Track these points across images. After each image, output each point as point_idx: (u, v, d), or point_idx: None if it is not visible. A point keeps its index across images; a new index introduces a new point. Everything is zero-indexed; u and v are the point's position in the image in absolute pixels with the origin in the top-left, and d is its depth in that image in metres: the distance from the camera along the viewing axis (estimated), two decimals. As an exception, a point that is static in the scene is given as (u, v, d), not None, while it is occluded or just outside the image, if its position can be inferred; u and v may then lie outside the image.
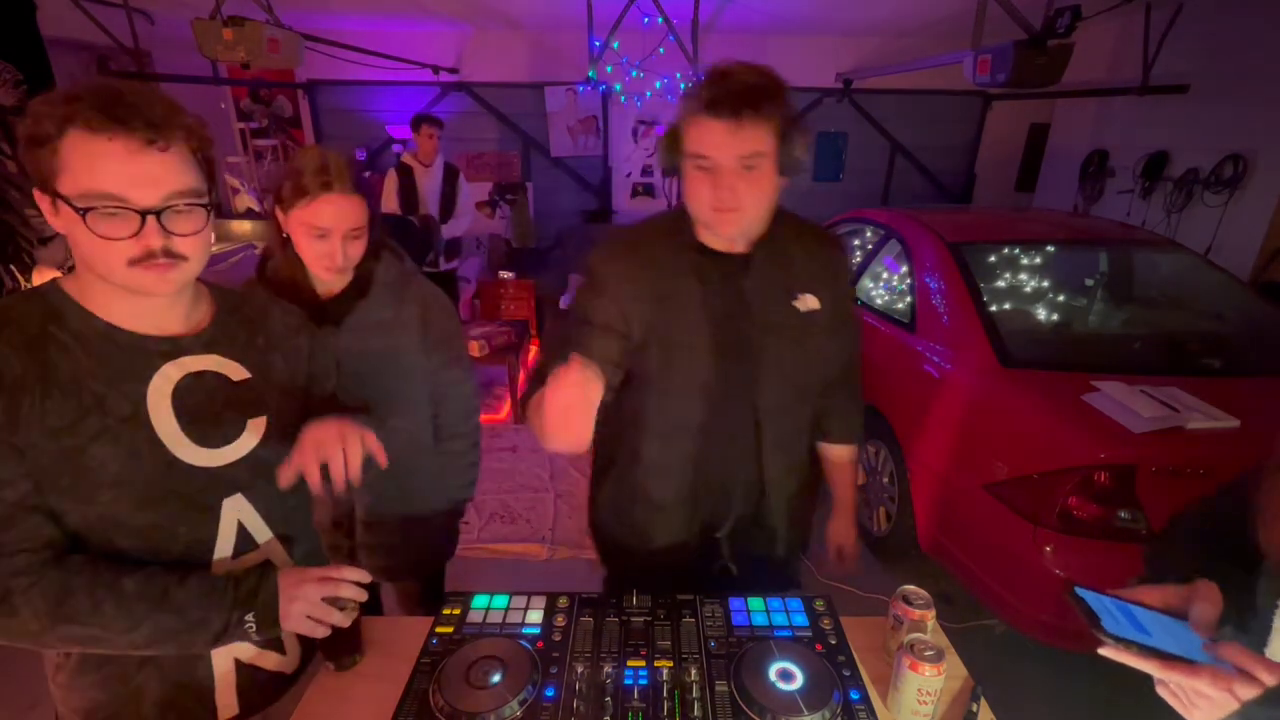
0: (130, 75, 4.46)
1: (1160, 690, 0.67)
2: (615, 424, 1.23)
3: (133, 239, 0.74)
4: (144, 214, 0.73)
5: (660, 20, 4.23)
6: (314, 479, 0.87)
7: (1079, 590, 0.72)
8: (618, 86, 5.77)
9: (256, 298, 1.01)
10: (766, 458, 1.22)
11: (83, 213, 0.71)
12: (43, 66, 3.80)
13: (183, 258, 0.78)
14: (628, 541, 1.31)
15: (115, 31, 3.96)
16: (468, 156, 6.34)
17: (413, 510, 1.45)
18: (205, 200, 0.79)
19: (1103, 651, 0.66)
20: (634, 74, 5.56)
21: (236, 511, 0.91)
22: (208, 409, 0.87)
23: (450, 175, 4.04)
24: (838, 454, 1.39)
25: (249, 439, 0.91)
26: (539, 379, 1.10)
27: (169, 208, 0.75)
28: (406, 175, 3.87)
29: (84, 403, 0.78)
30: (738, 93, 0.95)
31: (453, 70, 5.94)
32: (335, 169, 1.16)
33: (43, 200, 0.75)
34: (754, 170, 0.99)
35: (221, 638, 0.84)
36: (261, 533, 0.94)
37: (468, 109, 6.18)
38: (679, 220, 1.12)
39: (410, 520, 1.45)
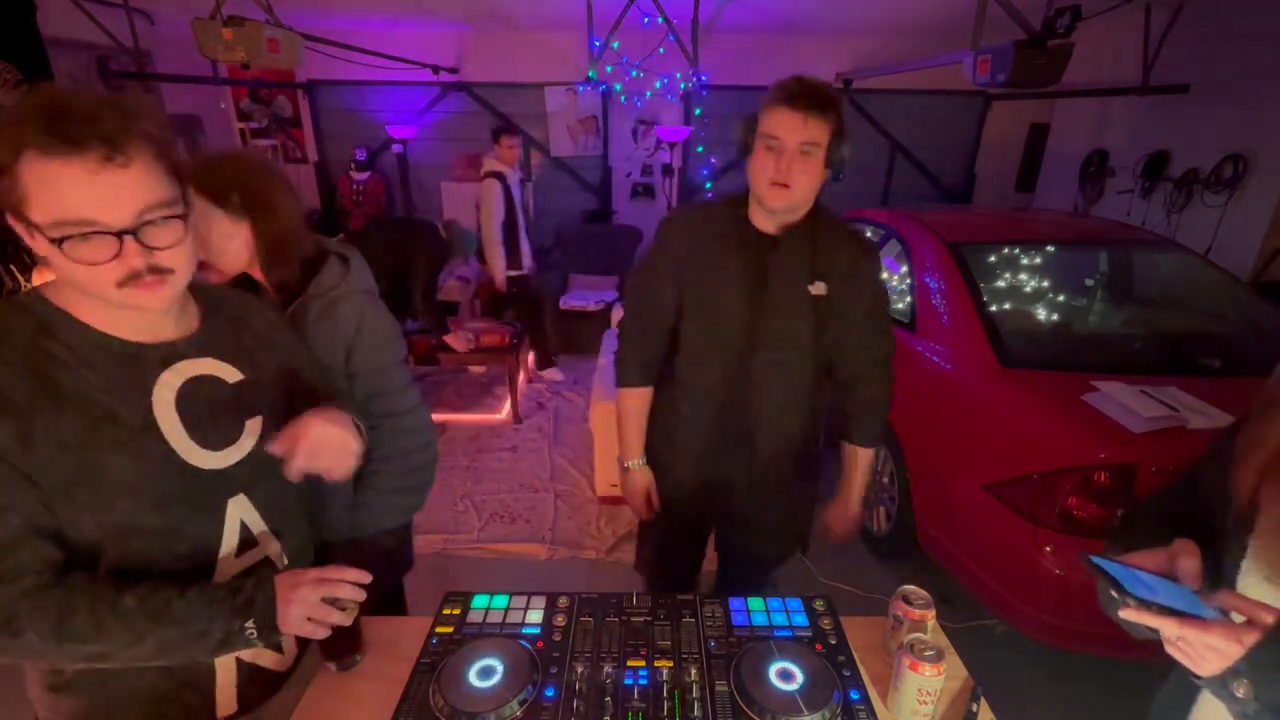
0: (130, 75, 4.46)
1: (1169, 649, 0.69)
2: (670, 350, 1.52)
3: (115, 261, 0.72)
4: (120, 234, 0.71)
5: (660, 20, 4.23)
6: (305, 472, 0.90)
7: (1094, 558, 0.74)
8: (618, 86, 5.77)
9: (237, 296, 1.01)
10: (754, 407, 1.44)
11: (58, 242, 0.69)
12: (43, 66, 3.79)
13: (169, 271, 0.77)
14: (662, 456, 1.58)
15: (115, 31, 3.96)
16: (467, 156, 6.33)
17: (321, 536, 1.33)
18: (181, 210, 0.77)
19: (1124, 614, 0.69)
20: (634, 74, 5.56)
21: (240, 510, 0.92)
22: (209, 412, 0.88)
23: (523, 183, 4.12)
24: (850, 451, 1.57)
25: (248, 439, 0.93)
26: (626, 336, 1.51)
27: (145, 224, 0.73)
28: (505, 184, 3.92)
29: (95, 416, 0.78)
30: (811, 93, 1.21)
31: (453, 70, 5.94)
32: None
33: (18, 226, 0.72)
34: (809, 157, 1.24)
35: (224, 646, 0.84)
36: (259, 527, 0.96)
37: (468, 109, 6.17)
38: (735, 202, 1.40)
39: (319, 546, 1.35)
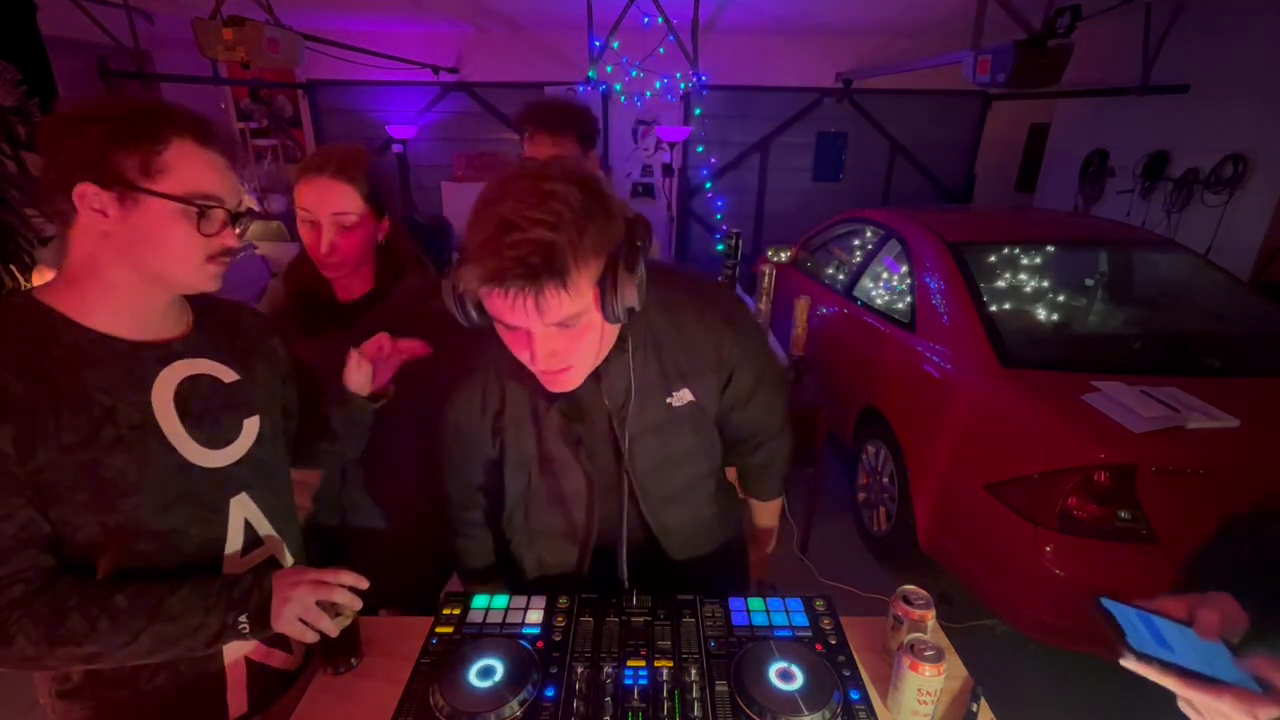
0: (130, 75, 4.46)
1: (1182, 706, 0.65)
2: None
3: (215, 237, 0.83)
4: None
5: (660, 20, 4.24)
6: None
7: (1105, 602, 0.70)
8: (618, 86, 5.78)
9: (227, 303, 1.02)
10: (656, 532, 1.12)
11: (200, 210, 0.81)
12: (43, 66, 3.79)
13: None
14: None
15: (115, 31, 3.96)
16: (467, 157, 6.34)
17: (397, 528, 1.38)
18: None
19: (1125, 664, 0.65)
20: (634, 74, 5.57)
21: (243, 510, 0.93)
22: (207, 410, 0.89)
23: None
24: (755, 506, 1.36)
25: (247, 438, 0.93)
26: (456, 527, 1.18)
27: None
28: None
29: (94, 415, 0.78)
30: (525, 262, 0.71)
31: (453, 70, 5.94)
32: (328, 156, 1.17)
33: (103, 195, 0.74)
34: (570, 328, 0.81)
35: (218, 640, 0.84)
36: (264, 528, 0.97)
37: (468, 109, 6.18)
38: None
39: (394, 537, 1.38)
